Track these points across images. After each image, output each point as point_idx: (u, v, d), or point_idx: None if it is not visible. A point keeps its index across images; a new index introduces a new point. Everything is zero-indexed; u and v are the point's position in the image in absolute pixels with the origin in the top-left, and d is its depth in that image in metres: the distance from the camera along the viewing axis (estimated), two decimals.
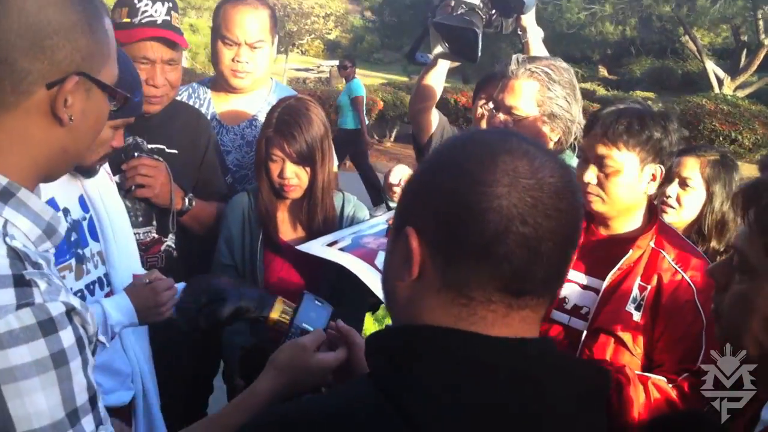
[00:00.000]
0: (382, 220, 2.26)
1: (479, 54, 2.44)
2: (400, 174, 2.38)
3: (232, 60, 2.53)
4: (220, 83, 2.66)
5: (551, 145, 2.29)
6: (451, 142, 0.97)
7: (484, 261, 0.85)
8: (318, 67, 26.63)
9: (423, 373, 0.85)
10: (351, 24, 34.00)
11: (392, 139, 14.69)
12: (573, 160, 2.37)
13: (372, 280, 1.97)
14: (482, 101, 2.87)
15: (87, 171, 1.84)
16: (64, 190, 1.79)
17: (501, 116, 2.23)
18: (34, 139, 1.04)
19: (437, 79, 2.71)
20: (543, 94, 2.19)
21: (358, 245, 2.12)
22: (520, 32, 2.52)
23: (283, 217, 2.34)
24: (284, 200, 2.31)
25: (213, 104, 2.67)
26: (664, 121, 1.89)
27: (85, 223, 1.84)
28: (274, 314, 1.67)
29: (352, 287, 2.38)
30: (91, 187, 1.89)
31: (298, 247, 2.15)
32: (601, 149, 1.89)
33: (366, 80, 20.78)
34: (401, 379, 0.85)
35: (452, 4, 2.34)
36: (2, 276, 0.94)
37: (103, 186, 1.95)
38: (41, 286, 0.97)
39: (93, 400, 1.03)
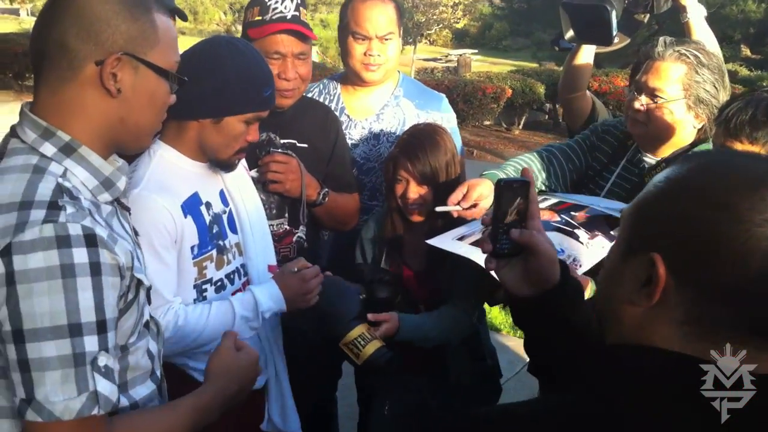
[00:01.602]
0: None
1: (614, 35, 2.31)
2: (477, 194, 2.13)
3: (364, 54, 2.59)
4: (350, 78, 2.72)
5: (694, 132, 2.19)
6: (698, 165, 0.91)
7: (744, 302, 0.82)
8: (446, 56, 26.53)
9: (657, 399, 0.82)
10: (479, 12, 33.64)
11: (521, 126, 14.45)
12: None
13: None
14: None
15: (224, 165, 1.94)
16: (206, 185, 1.91)
17: (643, 99, 2.13)
18: (89, 107, 1.27)
19: (584, 63, 2.67)
20: (690, 78, 2.08)
21: None
22: (679, 12, 2.41)
23: (408, 239, 2.37)
24: (410, 222, 2.34)
25: (342, 99, 2.74)
26: None
27: (225, 217, 1.95)
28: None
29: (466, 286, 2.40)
30: (230, 182, 2.00)
31: (428, 241, 2.14)
32: (726, 144, 1.79)
33: (494, 68, 20.52)
34: (633, 402, 0.83)
35: None
36: (43, 201, 1.16)
37: (242, 181, 2.06)
38: (68, 210, 1.17)
39: (102, 326, 1.17)
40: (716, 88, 2.09)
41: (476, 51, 28.34)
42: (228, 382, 1.46)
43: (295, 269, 1.95)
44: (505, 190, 1.20)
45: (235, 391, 1.48)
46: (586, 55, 2.72)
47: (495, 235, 1.21)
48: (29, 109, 1.29)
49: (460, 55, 24.12)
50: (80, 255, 1.15)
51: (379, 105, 2.72)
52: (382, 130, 2.70)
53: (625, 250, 0.93)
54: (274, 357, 2.10)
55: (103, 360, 1.17)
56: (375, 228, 2.44)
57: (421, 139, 2.27)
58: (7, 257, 1.12)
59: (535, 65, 18.92)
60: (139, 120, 1.33)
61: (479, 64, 24.24)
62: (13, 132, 1.28)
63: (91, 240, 1.17)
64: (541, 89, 13.84)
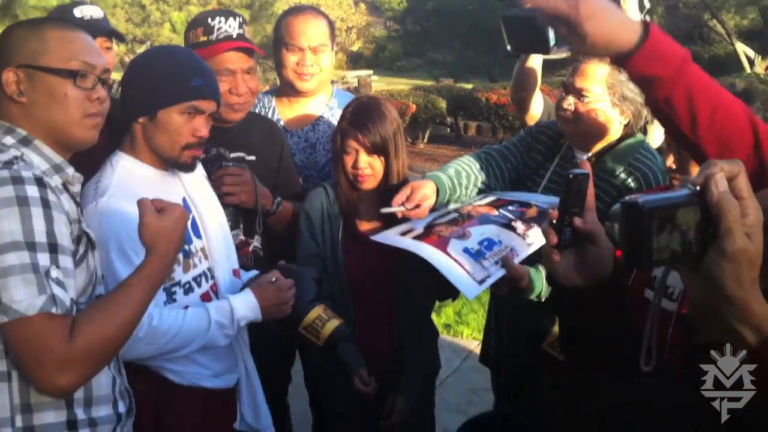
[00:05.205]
0: (451, 208, 2.32)
1: (552, 44, 2.50)
2: (421, 195, 2.20)
3: (297, 64, 2.69)
4: (284, 90, 2.82)
5: (620, 128, 2.29)
6: None
7: None
8: (342, 78, 26.81)
9: None
10: (372, 35, 34.26)
11: (425, 140, 14.84)
12: (654, 142, 2.39)
13: (446, 267, 2.00)
14: None
15: (181, 166, 1.99)
16: (169, 192, 1.96)
17: (570, 99, 2.25)
18: (16, 115, 1.55)
19: (534, 66, 2.83)
20: (614, 77, 2.19)
21: (431, 233, 2.17)
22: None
23: (360, 208, 2.44)
24: (360, 191, 2.40)
25: (278, 111, 2.83)
26: None
27: (188, 222, 2.01)
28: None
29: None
30: (191, 188, 2.07)
31: (373, 237, 2.23)
32: None
33: (393, 87, 20.92)
34: None
35: None
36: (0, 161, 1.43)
37: (202, 188, 2.14)
38: (21, 165, 1.45)
39: (53, 247, 1.40)
40: None
41: (371, 72, 28.77)
42: (165, 244, 1.56)
43: (273, 279, 2.02)
44: (574, 181, 1.20)
45: (174, 248, 1.60)
46: (534, 60, 2.90)
47: (561, 226, 1.21)
48: None
49: (358, 76, 24.45)
50: (32, 191, 1.40)
51: (315, 115, 2.82)
52: (318, 139, 2.80)
53: None
54: (243, 355, 2.15)
55: (54, 273, 1.38)
56: (324, 201, 2.45)
57: (369, 110, 2.33)
58: None
59: (431, 82, 19.41)
60: (52, 116, 1.54)
61: (377, 84, 24.61)
62: None
63: (41, 182, 1.43)
64: (443, 104, 14.27)
